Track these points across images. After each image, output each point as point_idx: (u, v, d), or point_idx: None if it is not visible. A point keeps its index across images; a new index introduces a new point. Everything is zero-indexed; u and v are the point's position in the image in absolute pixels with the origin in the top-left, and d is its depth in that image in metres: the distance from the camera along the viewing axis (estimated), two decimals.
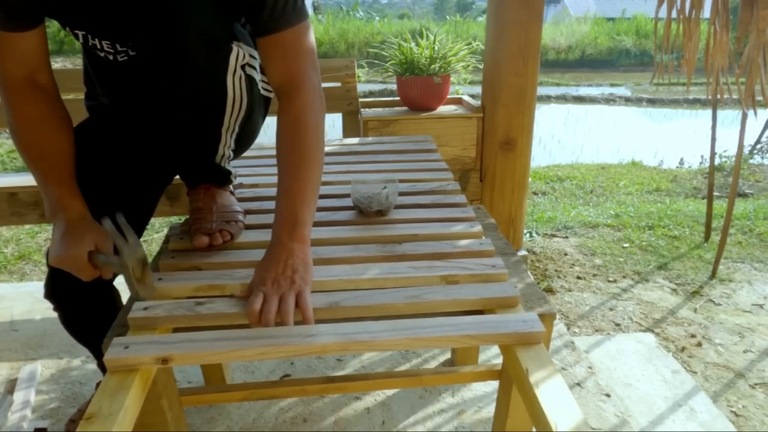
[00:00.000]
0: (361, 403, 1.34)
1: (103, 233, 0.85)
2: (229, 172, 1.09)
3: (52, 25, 10.21)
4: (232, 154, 1.05)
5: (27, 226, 2.87)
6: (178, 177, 1.14)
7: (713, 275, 2.22)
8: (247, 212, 1.12)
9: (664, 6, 2.05)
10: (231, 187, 1.13)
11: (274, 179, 1.35)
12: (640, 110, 8.37)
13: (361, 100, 2.14)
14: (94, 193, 0.94)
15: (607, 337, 1.76)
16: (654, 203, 3.47)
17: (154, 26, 0.85)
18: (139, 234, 1.11)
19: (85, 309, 1.00)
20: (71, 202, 0.88)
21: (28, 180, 1.72)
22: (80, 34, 0.88)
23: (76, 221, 0.87)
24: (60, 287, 1.04)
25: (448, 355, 1.51)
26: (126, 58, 0.93)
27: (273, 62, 0.88)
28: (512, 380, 0.90)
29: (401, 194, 1.21)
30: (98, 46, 0.91)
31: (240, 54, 0.89)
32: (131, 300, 0.90)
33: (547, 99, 9.00)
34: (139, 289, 0.80)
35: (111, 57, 0.92)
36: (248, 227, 1.08)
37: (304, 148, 0.86)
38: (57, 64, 8.98)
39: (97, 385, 1.09)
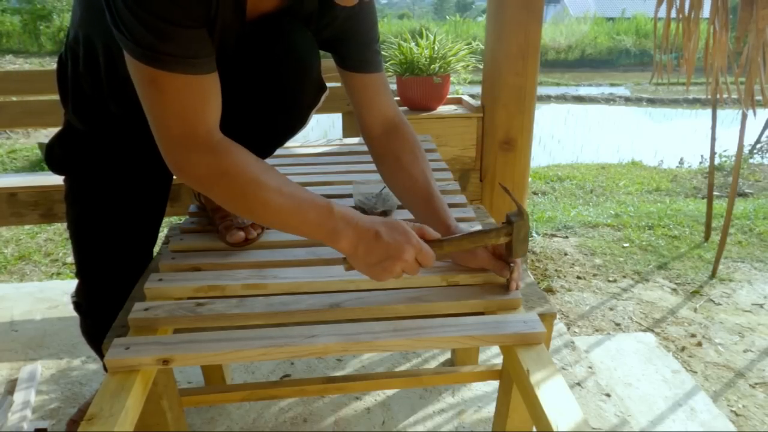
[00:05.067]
0: (361, 403, 1.34)
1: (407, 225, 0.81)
2: None
3: (53, 25, 10.20)
4: None
5: (27, 227, 2.87)
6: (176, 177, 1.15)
7: (713, 275, 2.22)
8: None
9: (664, 6, 2.05)
10: None
11: None
12: (640, 110, 8.37)
13: None
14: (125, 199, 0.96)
15: (607, 336, 1.76)
16: (654, 203, 3.47)
17: (266, 64, 0.90)
18: (154, 240, 1.12)
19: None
20: (338, 205, 0.79)
21: (28, 180, 1.72)
22: None
23: (376, 220, 0.79)
24: (97, 301, 1.06)
25: (448, 355, 1.51)
26: None
27: (379, 98, 0.98)
28: (512, 380, 0.90)
29: None
30: None
31: (326, 94, 1.01)
32: (132, 301, 0.90)
33: (547, 99, 9.00)
34: (524, 250, 0.84)
35: None
36: None
37: (428, 165, 0.99)
38: None
39: None
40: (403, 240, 0.76)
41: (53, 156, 1.04)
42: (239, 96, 0.95)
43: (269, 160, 1.48)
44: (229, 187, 0.76)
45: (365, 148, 1.10)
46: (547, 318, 0.86)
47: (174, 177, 1.15)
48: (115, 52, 0.88)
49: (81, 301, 1.10)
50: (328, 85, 1.03)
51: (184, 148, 0.74)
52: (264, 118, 0.98)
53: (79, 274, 1.08)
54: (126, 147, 1.01)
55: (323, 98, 1.02)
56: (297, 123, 1.03)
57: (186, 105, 0.72)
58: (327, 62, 1.09)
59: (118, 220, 1.04)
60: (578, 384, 1.42)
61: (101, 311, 1.06)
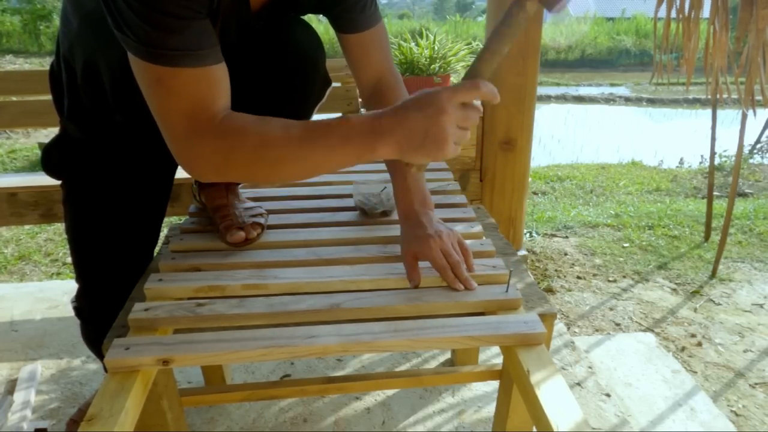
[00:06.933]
0: (361, 403, 1.34)
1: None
2: None
3: (53, 25, 10.20)
4: None
5: (27, 227, 2.86)
6: (177, 177, 1.14)
7: (713, 275, 2.22)
8: None
9: (664, 6, 2.05)
10: None
11: None
12: (640, 110, 8.37)
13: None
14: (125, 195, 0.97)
15: (607, 336, 1.76)
16: (654, 203, 3.47)
17: (273, 61, 0.90)
18: (155, 243, 1.12)
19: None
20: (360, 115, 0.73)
21: (28, 180, 1.72)
22: None
23: (398, 102, 0.71)
24: (98, 306, 1.05)
25: (448, 355, 1.51)
26: None
27: (367, 58, 0.97)
28: (512, 380, 0.90)
29: None
30: None
31: (330, 89, 1.02)
32: (131, 301, 0.90)
33: (547, 99, 9.00)
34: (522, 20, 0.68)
35: None
36: None
37: None
38: None
39: None
40: (431, 98, 0.67)
41: (50, 160, 1.02)
42: (244, 92, 0.95)
43: None
44: (242, 163, 0.72)
45: None
46: (547, 318, 0.86)
47: (173, 180, 1.15)
48: (125, 63, 0.87)
49: (82, 306, 1.09)
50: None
51: (190, 142, 0.72)
52: (270, 114, 0.98)
53: (79, 278, 1.08)
54: (126, 152, 1.01)
55: (327, 92, 1.02)
56: (302, 119, 1.03)
57: (194, 99, 0.70)
58: (333, 62, 1.10)
59: (117, 225, 1.03)
60: (578, 384, 1.42)
61: (103, 316, 1.06)
